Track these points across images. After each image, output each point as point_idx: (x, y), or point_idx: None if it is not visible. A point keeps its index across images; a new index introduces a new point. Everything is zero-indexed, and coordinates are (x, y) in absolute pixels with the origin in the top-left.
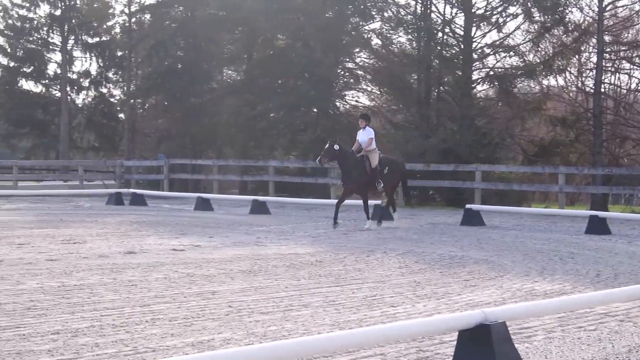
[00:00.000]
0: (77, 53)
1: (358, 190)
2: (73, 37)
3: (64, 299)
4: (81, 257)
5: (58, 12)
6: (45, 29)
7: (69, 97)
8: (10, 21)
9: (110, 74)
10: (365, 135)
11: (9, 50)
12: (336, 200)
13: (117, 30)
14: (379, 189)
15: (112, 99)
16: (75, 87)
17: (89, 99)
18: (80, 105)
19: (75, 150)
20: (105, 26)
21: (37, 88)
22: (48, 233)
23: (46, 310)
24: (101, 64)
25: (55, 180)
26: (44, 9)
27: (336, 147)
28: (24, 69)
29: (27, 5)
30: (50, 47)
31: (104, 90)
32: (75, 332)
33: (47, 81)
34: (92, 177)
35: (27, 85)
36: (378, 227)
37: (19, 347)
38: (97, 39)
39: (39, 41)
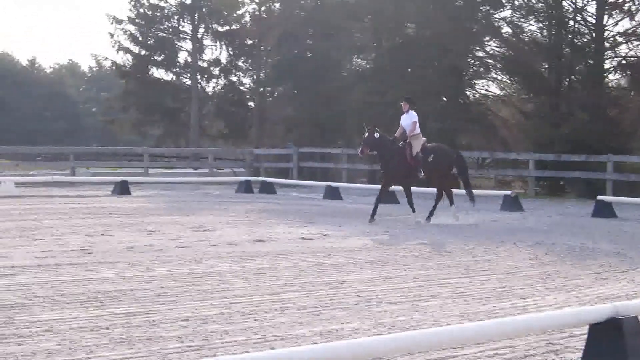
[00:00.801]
0: (207, 41)
1: (399, 180)
2: (203, 26)
3: (193, 286)
4: (211, 244)
5: (189, 1)
6: (175, 17)
7: (199, 85)
8: (141, 10)
9: (240, 62)
10: (408, 119)
11: (140, 38)
12: (461, 191)
13: (247, 18)
14: (419, 177)
15: (241, 87)
16: (205, 75)
17: (219, 87)
18: (210, 93)
19: (205, 138)
20: (235, 14)
21: (168, 76)
22: (178, 220)
23: (176, 297)
24: (231, 53)
25: (185, 167)
26: None
27: (377, 135)
28: (155, 57)
29: None
30: (181, 35)
31: (234, 79)
32: (205, 319)
33: (177, 69)
34: (222, 165)
35: (158, 73)
36: (427, 222)
37: (149, 333)
38: (227, 28)
39: (170, 30)
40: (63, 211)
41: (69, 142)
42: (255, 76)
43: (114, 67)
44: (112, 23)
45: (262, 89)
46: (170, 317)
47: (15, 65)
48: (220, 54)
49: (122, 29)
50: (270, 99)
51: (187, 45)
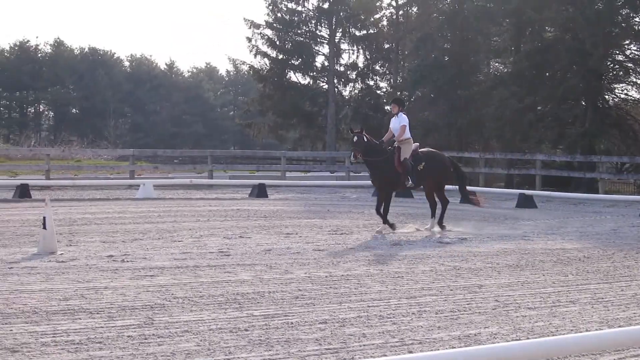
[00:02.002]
0: (344, 46)
1: (386, 186)
2: (340, 30)
3: (331, 288)
4: (348, 247)
5: (326, 5)
6: (313, 22)
7: (336, 89)
8: (279, 14)
9: (376, 66)
10: (397, 123)
11: (277, 42)
12: (601, 195)
13: (384, 22)
14: (407, 185)
15: (378, 91)
16: (342, 79)
17: (356, 91)
18: (347, 97)
19: (341, 141)
20: (372, 19)
21: (305, 80)
22: (315, 223)
23: (314, 299)
24: (368, 57)
25: (322, 171)
26: (312, 3)
27: (365, 138)
28: (293, 62)
29: None
30: (318, 39)
31: (371, 83)
32: (343, 322)
33: (314, 73)
34: (358, 169)
35: (296, 77)
36: (442, 230)
37: (287, 335)
38: (364, 32)
39: (307, 34)
40: (201, 213)
41: (207, 145)
42: (392, 80)
43: (251, 71)
44: (250, 27)
45: (399, 93)
46: (308, 320)
47: (154, 69)
48: (357, 58)
49: (260, 33)
50: (408, 103)
51: (324, 49)
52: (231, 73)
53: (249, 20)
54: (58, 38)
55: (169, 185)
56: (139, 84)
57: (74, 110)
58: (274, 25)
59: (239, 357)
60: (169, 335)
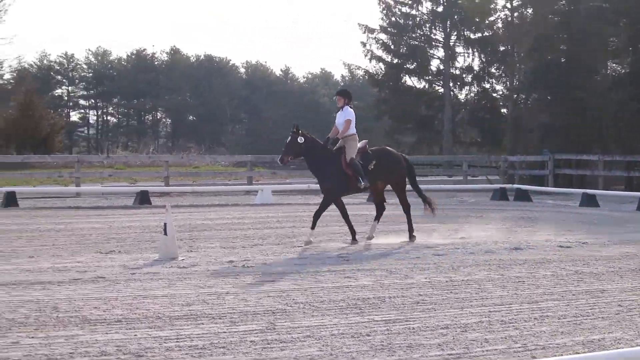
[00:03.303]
0: (459, 49)
1: (338, 191)
2: (455, 33)
3: (451, 293)
4: (467, 252)
5: (440, 9)
6: (427, 25)
7: (451, 93)
8: (393, 18)
9: (492, 69)
10: (342, 117)
11: (392, 47)
12: None
13: (499, 25)
14: (360, 187)
15: (494, 94)
16: (458, 83)
17: (472, 95)
18: (462, 101)
19: (458, 145)
20: (487, 21)
21: (420, 84)
22: (434, 228)
23: (434, 304)
24: (483, 59)
25: (440, 175)
26: (426, 6)
27: (300, 139)
28: (407, 66)
29: (410, 2)
30: (433, 43)
31: (487, 86)
32: (464, 327)
33: (430, 77)
34: (476, 173)
35: (411, 81)
36: (412, 241)
37: (409, 340)
38: (479, 35)
39: (422, 38)
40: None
41: None
42: (508, 83)
43: (366, 76)
44: (364, 32)
45: (515, 96)
46: (430, 325)
47: (269, 75)
48: (472, 61)
49: (374, 37)
50: (524, 105)
51: (439, 52)
52: (346, 78)
53: (363, 25)
54: (174, 46)
55: (286, 191)
56: (255, 90)
57: (191, 117)
58: (389, 29)
59: None
60: (291, 340)
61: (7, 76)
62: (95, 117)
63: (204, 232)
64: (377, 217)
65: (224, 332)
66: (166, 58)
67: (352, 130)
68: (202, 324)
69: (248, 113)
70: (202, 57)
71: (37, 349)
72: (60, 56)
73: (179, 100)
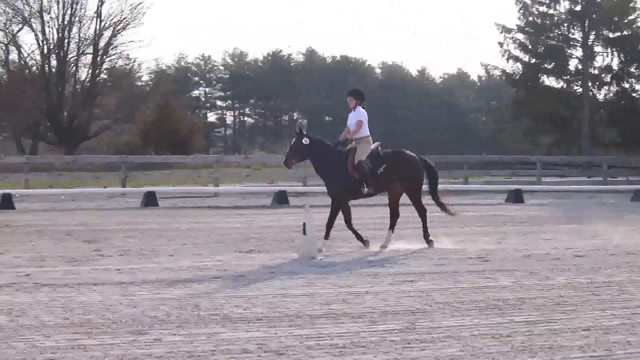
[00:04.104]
0: (597, 48)
1: (345, 194)
2: (594, 32)
3: (593, 295)
4: (608, 253)
5: (578, 8)
6: (565, 25)
7: (590, 93)
8: (530, 18)
9: (632, 69)
10: (353, 118)
11: (529, 47)
12: None
13: (639, 24)
14: (364, 192)
15: (634, 94)
16: (597, 83)
17: (610, 94)
18: (601, 101)
19: (597, 146)
20: (626, 20)
21: (559, 84)
22: (574, 229)
23: (575, 306)
24: (622, 59)
25: (579, 176)
26: (564, 5)
27: (305, 140)
28: (545, 65)
29: (547, 2)
30: (571, 42)
31: (626, 85)
32: (606, 329)
33: (568, 77)
34: (616, 173)
35: (549, 81)
36: (430, 246)
37: (550, 341)
38: (618, 34)
39: (560, 37)
40: (458, 219)
41: (458, 151)
42: None
43: (503, 76)
44: (501, 32)
45: None
46: (571, 327)
47: (405, 75)
48: (611, 61)
49: (512, 37)
50: None
51: (578, 52)
52: (483, 78)
53: (500, 25)
54: (310, 47)
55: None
56: (391, 90)
57: (327, 117)
58: (526, 29)
59: None
60: (432, 341)
61: (145, 78)
62: (232, 118)
63: (342, 232)
64: (392, 226)
65: (364, 332)
66: (302, 59)
67: (365, 132)
68: (342, 323)
69: (384, 113)
70: (337, 57)
71: (179, 347)
72: (198, 58)
73: (315, 101)
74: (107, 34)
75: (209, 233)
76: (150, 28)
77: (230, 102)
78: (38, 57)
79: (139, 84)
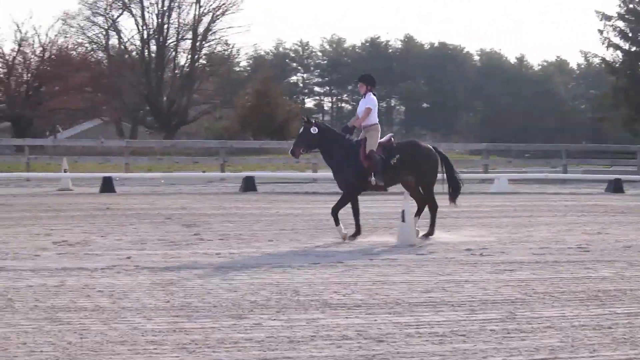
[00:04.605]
0: None
1: (354, 185)
2: None
3: None
4: None
5: None
6: None
7: None
8: (631, 5)
9: None
10: (363, 105)
11: (630, 34)
12: None
13: None
14: (372, 183)
15: None
16: None
17: None
18: None
19: None
20: None
21: None
22: None
23: None
24: None
25: None
26: None
27: (314, 130)
28: None
29: None
30: None
31: None
32: None
33: None
34: None
35: None
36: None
37: None
38: None
39: None
40: (557, 208)
41: (558, 139)
42: None
43: (603, 64)
44: (601, 19)
45: None
46: None
47: (503, 63)
48: None
49: (612, 25)
50: None
51: None
52: (582, 66)
53: (600, 13)
54: (408, 34)
55: (523, 180)
56: (489, 78)
57: (425, 104)
58: (626, 17)
59: (603, 355)
60: (531, 331)
61: (243, 64)
62: (329, 104)
63: (440, 219)
64: (417, 213)
65: (464, 320)
66: (400, 46)
67: (373, 119)
68: (442, 311)
69: (482, 101)
70: (435, 44)
71: (279, 331)
72: (296, 44)
73: (412, 88)
74: (206, 19)
75: (308, 219)
76: (249, 14)
77: (327, 88)
78: (138, 43)
79: (238, 69)
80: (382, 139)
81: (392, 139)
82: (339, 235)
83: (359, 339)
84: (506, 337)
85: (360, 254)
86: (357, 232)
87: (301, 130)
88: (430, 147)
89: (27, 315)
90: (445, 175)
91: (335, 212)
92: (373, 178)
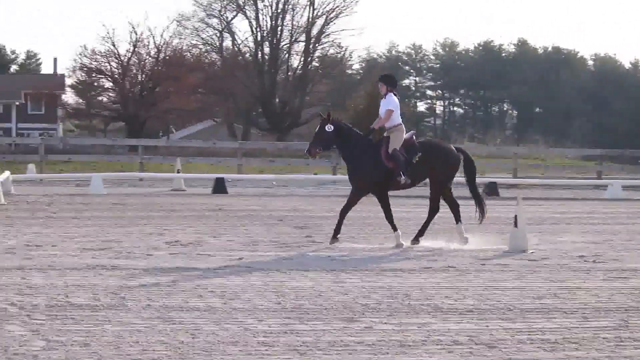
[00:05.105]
0: None
1: (371, 186)
2: None
3: None
4: None
5: None
6: None
7: None
8: None
9: None
10: (383, 107)
11: None
12: None
13: None
14: (401, 182)
15: None
16: None
17: None
18: None
19: None
20: None
21: None
22: None
23: None
24: None
25: None
26: None
27: (329, 128)
28: None
29: None
30: None
31: None
32: None
33: None
34: None
35: None
36: (412, 245)
37: None
38: None
39: None
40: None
41: None
42: None
43: None
44: None
45: None
46: None
47: (618, 68)
48: None
49: None
50: None
51: None
52: None
53: None
54: (521, 38)
55: (637, 186)
56: (603, 83)
57: (538, 109)
58: None
59: None
60: None
61: (356, 66)
62: (441, 108)
63: (553, 225)
64: (457, 218)
65: (576, 328)
66: (513, 50)
67: (396, 120)
68: (554, 318)
69: (595, 106)
70: (549, 48)
71: (390, 335)
72: (409, 47)
73: (525, 92)
74: (319, 22)
75: (420, 222)
76: (362, 16)
77: (440, 91)
78: (251, 44)
79: (350, 72)
80: (405, 136)
81: (414, 137)
82: (395, 242)
83: (471, 345)
84: (619, 345)
85: (471, 258)
86: (394, 229)
87: (317, 128)
88: (453, 148)
89: (139, 314)
90: (465, 180)
91: (390, 219)
92: (402, 177)
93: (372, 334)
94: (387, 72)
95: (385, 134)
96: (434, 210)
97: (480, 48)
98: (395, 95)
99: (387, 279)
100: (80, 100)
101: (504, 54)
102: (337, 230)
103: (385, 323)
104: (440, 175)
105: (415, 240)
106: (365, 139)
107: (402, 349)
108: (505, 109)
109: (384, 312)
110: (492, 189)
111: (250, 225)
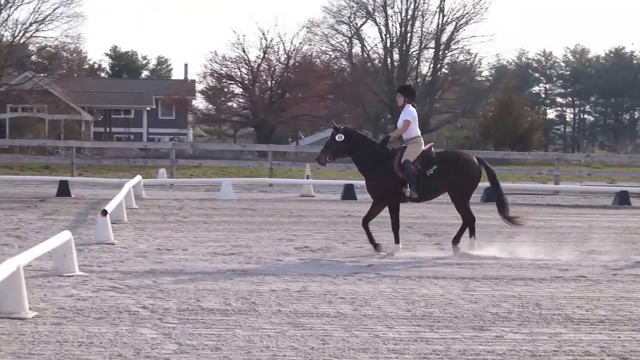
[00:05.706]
0: None
1: (381, 196)
2: None
3: None
4: None
5: None
6: None
7: None
8: None
9: None
10: (401, 118)
11: None
12: None
13: None
14: (407, 195)
15: None
16: None
17: None
18: None
19: None
20: None
21: None
22: None
23: None
24: None
25: None
26: None
27: (339, 137)
28: None
29: None
30: None
31: None
32: None
33: None
34: None
35: None
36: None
37: None
38: None
39: None
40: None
41: None
42: None
43: None
44: None
45: None
46: None
47: None
48: None
49: None
50: None
51: None
52: None
53: None
54: None
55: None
56: None
57: None
58: None
59: None
60: None
61: (485, 73)
62: (571, 115)
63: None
64: (471, 232)
65: None
66: None
67: (414, 132)
68: None
69: None
70: None
71: (520, 345)
72: (538, 54)
73: None
74: (449, 28)
75: (549, 231)
76: (492, 23)
77: (570, 99)
78: (381, 51)
79: (480, 79)
80: (423, 147)
81: (432, 148)
82: (389, 252)
83: (602, 356)
84: None
85: (603, 268)
86: (396, 241)
87: (329, 137)
88: (473, 158)
89: (270, 319)
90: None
91: (395, 228)
92: (408, 190)
93: (502, 343)
94: (405, 84)
95: (402, 145)
96: (469, 220)
97: (612, 55)
98: (413, 106)
99: (518, 288)
100: (210, 106)
101: (635, 61)
102: (371, 241)
103: (516, 332)
104: (459, 188)
105: (455, 246)
106: (381, 148)
107: (533, 358)
108: (636, 116)
109: (514, 321)
110: (623, 198)
111: (379, 231)
